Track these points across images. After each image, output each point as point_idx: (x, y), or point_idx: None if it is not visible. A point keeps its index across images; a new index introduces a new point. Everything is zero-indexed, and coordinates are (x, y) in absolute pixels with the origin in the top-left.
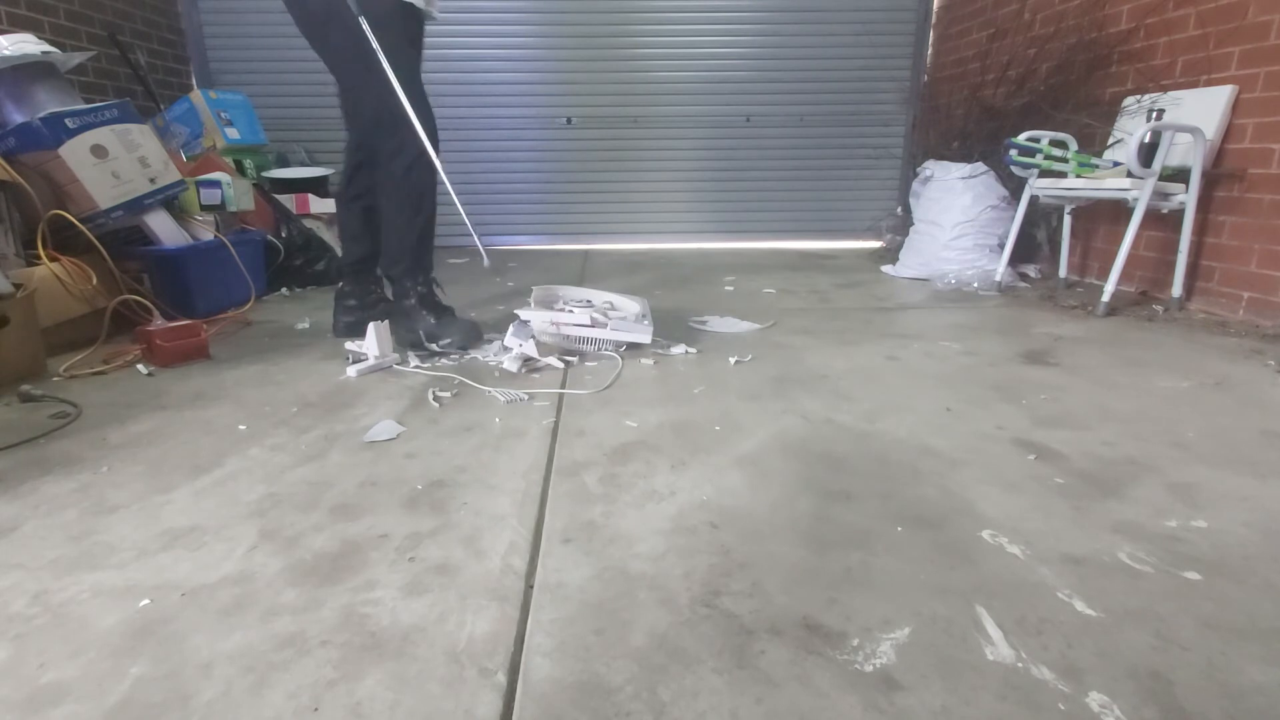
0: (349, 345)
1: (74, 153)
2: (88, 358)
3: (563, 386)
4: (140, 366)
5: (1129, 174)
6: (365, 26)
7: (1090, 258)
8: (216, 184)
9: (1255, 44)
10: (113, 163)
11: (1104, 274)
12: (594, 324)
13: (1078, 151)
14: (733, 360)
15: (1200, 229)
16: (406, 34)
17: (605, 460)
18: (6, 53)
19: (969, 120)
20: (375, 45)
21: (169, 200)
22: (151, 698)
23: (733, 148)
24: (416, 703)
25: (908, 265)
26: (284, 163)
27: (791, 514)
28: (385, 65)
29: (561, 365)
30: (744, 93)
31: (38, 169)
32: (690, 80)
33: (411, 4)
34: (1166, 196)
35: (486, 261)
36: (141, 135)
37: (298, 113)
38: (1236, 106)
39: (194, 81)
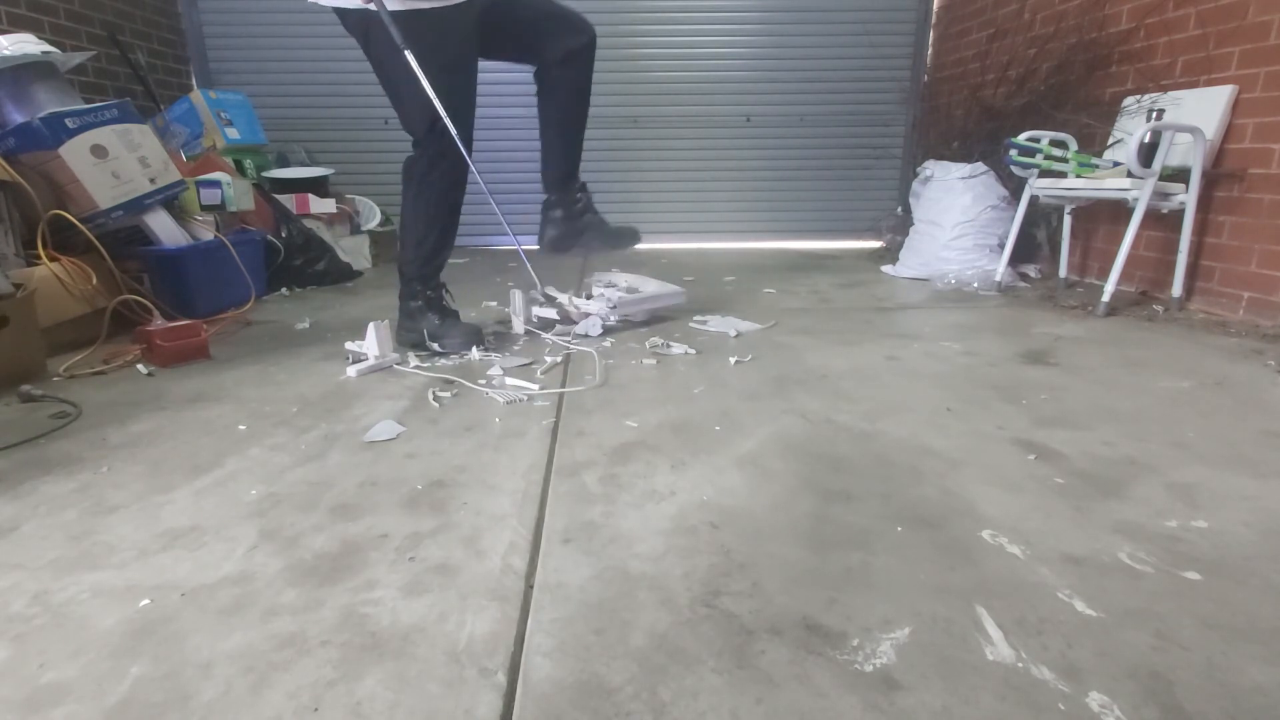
0: (349, 345)
1: (74, 153)
2: (88, 358)
3: (562, 385)
4: (140, 366)
5: (1129, 174)
6: (411, 59)
7: (1090, 258)
8: (216, 184)
9: (1255, 44)
10: (113, 163)
11: (1104, 274)
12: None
13: (1078, 151)
14: (733, 360)
15: (1200, 229)
16: (448, 47)
17: (605, 460)
18: (6, 53)
19: (969, 120)
20: (414, 65)
21: (169, 200)
22: (151, 698)
23: (733, 148)
24: (416, 703)
25: (908, 265)
26: (284, 163)
27: (791, 514)
28: (425, 85)
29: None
30: (744, 93)
31: (38, 169)
32: (690, 80)
33: (459, 3)
34: (1166, 196)
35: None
36: (141, 135)
37: (298, 113)
38: (1236, 106)
39: (194, 81)
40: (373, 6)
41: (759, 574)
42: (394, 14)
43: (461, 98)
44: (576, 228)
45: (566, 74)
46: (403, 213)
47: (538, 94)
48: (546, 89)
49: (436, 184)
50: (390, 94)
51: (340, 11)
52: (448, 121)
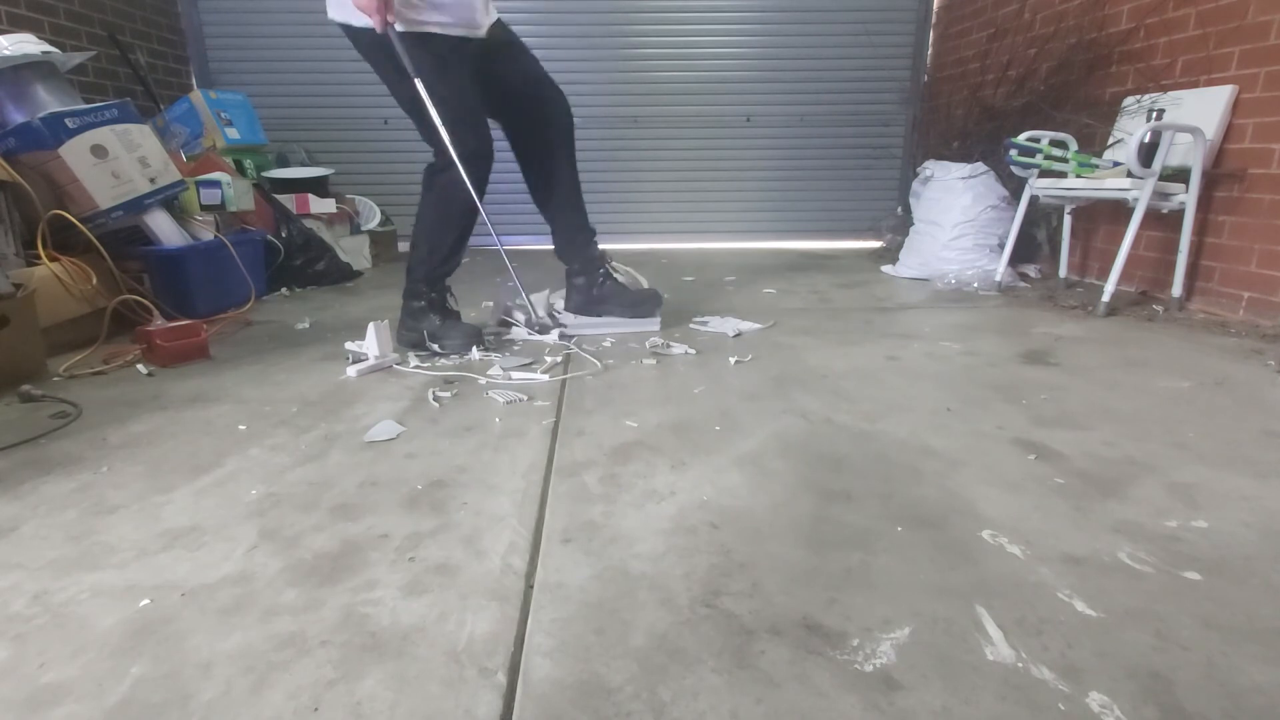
0: (349, 345)
1: (74, 153)
2: (88, 358)
3: (562, 385)
4: (140, 366)
5: (1129, 174)
6: (420, 86)
7: (1090, 258)
8: (216, 184)
9: (1255, 44)
10: (113, 163)
11: (1104, 274)
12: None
13: (1078, 151)
14: (733, 360)
15: (1200, 229)
16: (452, 70)
17: (605, 460)
18: (7, 53)
19: (969, 120)
20: (425, 96)
21: (169, 200)
22: (151, 698)
23: (733, 148)
24: (416, 703)
25: (908, 265)
26: (284, 163)
27: (791, 514)
28: (433, 113)
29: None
30: (744, 93)
31: (38, 169)
32: (690, 80)
33: (462, 37)
34: (1166, 196)
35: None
36: (141, 135)
37: (298, 113)
38: (1236, 106)
39: (194, 81)
40: (393, 30)
41: (759, 574)
42: (402, 35)
43: (474, 112)
44: (597, 296)
45: (556, 163)
46: (420, 215)
47: (521, 169)
48: (532, 172)
49: (457, 192)
50: (406, 110)
51: (352, 31)
52: (459, 164)
